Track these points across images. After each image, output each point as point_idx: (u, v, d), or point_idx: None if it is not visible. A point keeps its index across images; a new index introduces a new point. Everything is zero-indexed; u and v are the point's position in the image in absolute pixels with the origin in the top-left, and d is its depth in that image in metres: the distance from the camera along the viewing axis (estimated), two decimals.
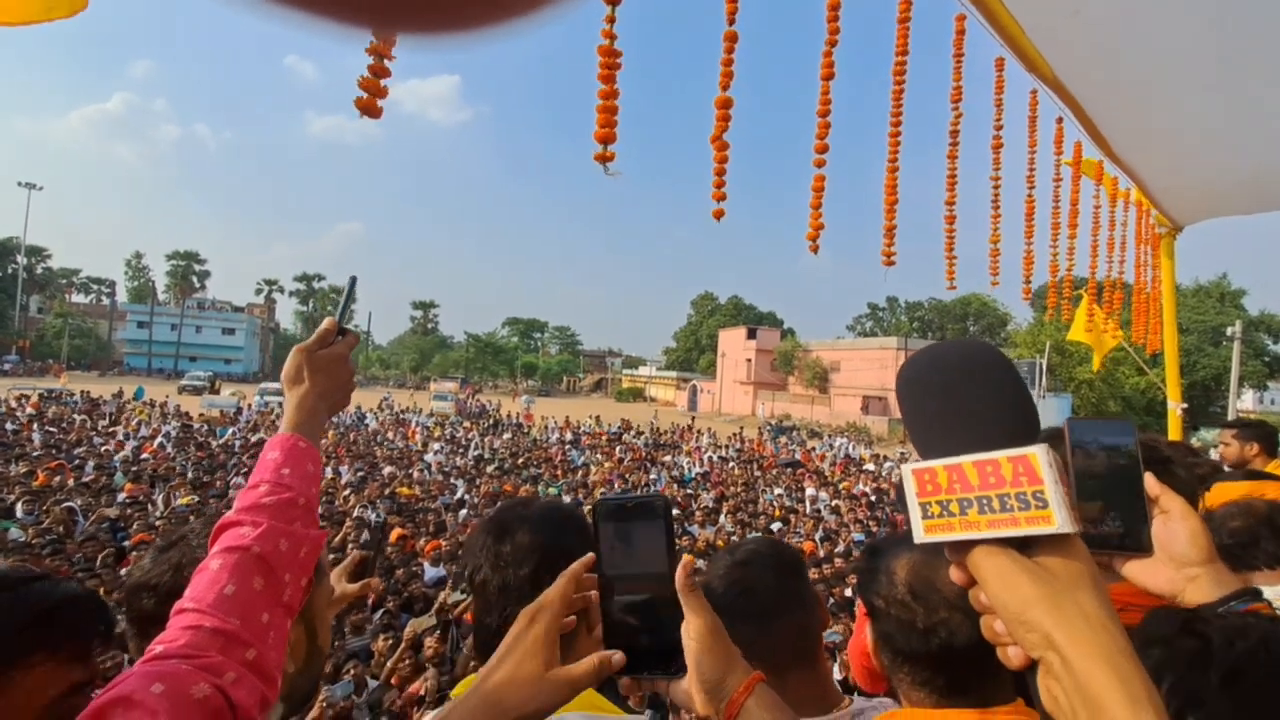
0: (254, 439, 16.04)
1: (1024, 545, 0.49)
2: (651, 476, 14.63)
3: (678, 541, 8.61)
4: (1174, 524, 0.75)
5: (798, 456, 20.26)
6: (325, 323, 0.98)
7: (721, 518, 10.43)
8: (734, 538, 9.15)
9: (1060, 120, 3.07)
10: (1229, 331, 24.98)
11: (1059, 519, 0.47)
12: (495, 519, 1.07)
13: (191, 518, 6.88)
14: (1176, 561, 0.73)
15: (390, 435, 18.55)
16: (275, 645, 0.76)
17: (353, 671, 4.60)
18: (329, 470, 12.04)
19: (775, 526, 9.60)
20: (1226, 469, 3.20)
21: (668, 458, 17.96)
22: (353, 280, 1.03)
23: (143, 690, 0.62)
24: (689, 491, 12.95)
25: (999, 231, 2.93)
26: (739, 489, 13.60)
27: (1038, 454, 0.49)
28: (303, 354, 0.94)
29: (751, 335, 51.48)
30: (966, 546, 0.51)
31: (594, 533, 0.69)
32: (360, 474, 12.09)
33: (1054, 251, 3.46)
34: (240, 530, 0.78)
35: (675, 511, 10.51)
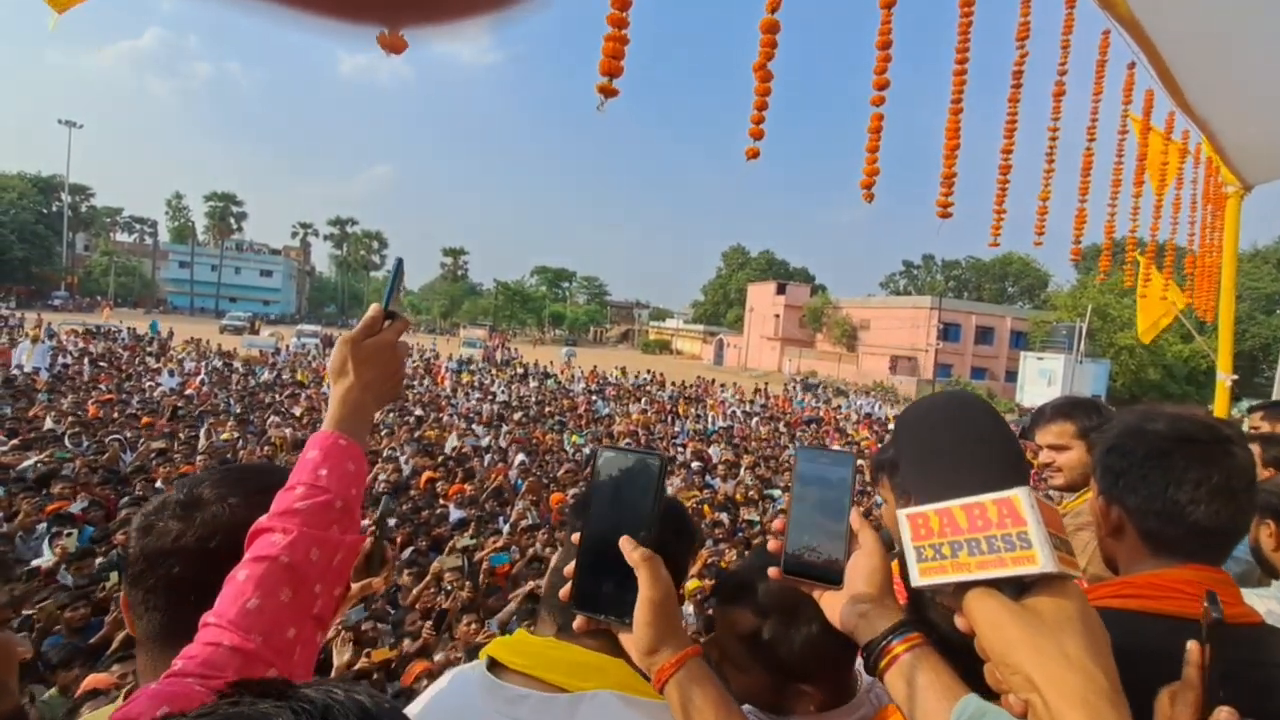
0: (291, 379, 16.51)
1: (1022, 588, 0.50)
2: (675, 429, 14.73)
3: (699, 494, 8.71)
4: (859, 559, 0.72)
5: (821, 414, 20.17)
6: (371, 310, 0.91)
7: (741, 471, 10.49)
8: (751, 492, 9.22)
9: (1132, 65, 2.83)
10: None
11: (1042, 558, 0.48)
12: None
13: (229, 455, 7.16)
14: (853, 597, 0.72)
15: (416, 381, 18.91)
16: (301, 662, 0.73)
17: (375, 605, 4.84)
18: None
19: None
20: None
21: (692, 411, 18.03)
22: (399, 262, 0.98)
23: (148, 714, 0.61)
24: (711, 447, 13.02)
25: (1050, 187, 2.73)
26: (761, 445, 13.63)
27: (1020, 496, 0.50)
28: (348, 345, 0.88)
29: (781, 290, 50.68)
30: (961, 591, 0.53)
31: (590, 475, 0.76)
32: (390, 414, 12.39)
33: (1111, 210, 3.24)
34: (271, 538, 0.74)
35: (697, 464, 10.60)
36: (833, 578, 0.73)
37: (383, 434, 10.44)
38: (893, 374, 38.77)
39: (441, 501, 7.33)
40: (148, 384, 13.93)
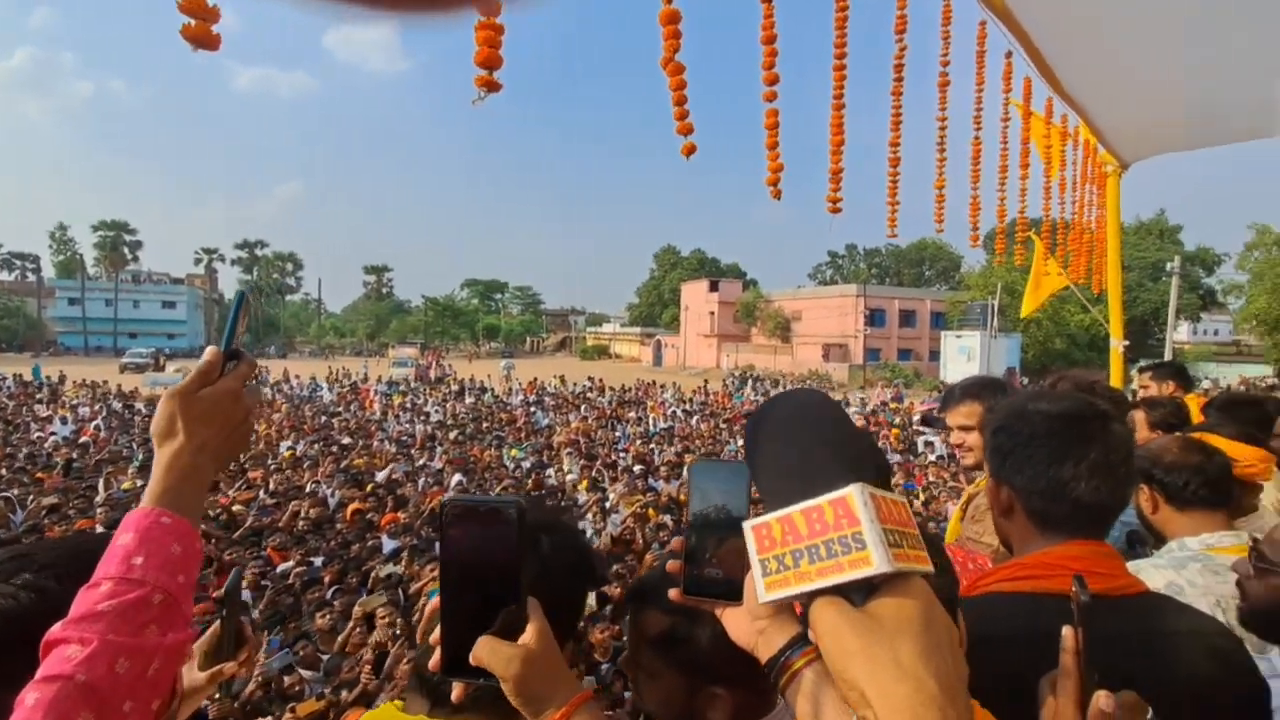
0: None
1: (871, 590, 0.47)
2: (616, 434, 14.65)
3: (642, 498, 8.65)
4: (755, 575, 0.71)
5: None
6: (206, 354, 0.78)
7: (684, 472, 10.51)
8: None
9: (1009, 55, 2.95)
10: (1168, 267, 25.93)
11: (876, 558, 0.46)
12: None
13: (132, 505, 6.63)
14: (750, 613, 0.68)
15: (343, 407, 18.05)
16: None
17: (303, 651, 4.51)
18: (283, 446, 11.68)
19: None
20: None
21: (632, 414, 18.00)
22: (240, 296, 0.84)
23: None
24: (652, 446, 13.01)
25: (944, 175, 2.81)
26: (704, 442, 13.74)
27: (853, 494, 0.47)
28: (176, 400, 0.75)
29: (714, 288, 51.46)
30: (809, 603, 0.50)
31: (440, 534, 0.70)
32: (316, 446, 11.76)
33: (1001, 195, 3.39)
34: (65, 651, 0.61)
35: (639, 467, 10.54)
36: (734, 594, 0.69)
37: (305, 467, 9.87)
38: (826, 361, 40.03)
39: (374, 533, 6.97)
40: (37, 434, 12.69)
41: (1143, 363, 4.20)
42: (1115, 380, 5.06)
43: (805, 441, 0.53)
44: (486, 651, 0.66)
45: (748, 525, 0.54)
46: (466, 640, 0.67)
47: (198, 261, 65.43)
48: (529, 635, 0.68)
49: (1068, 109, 3.68)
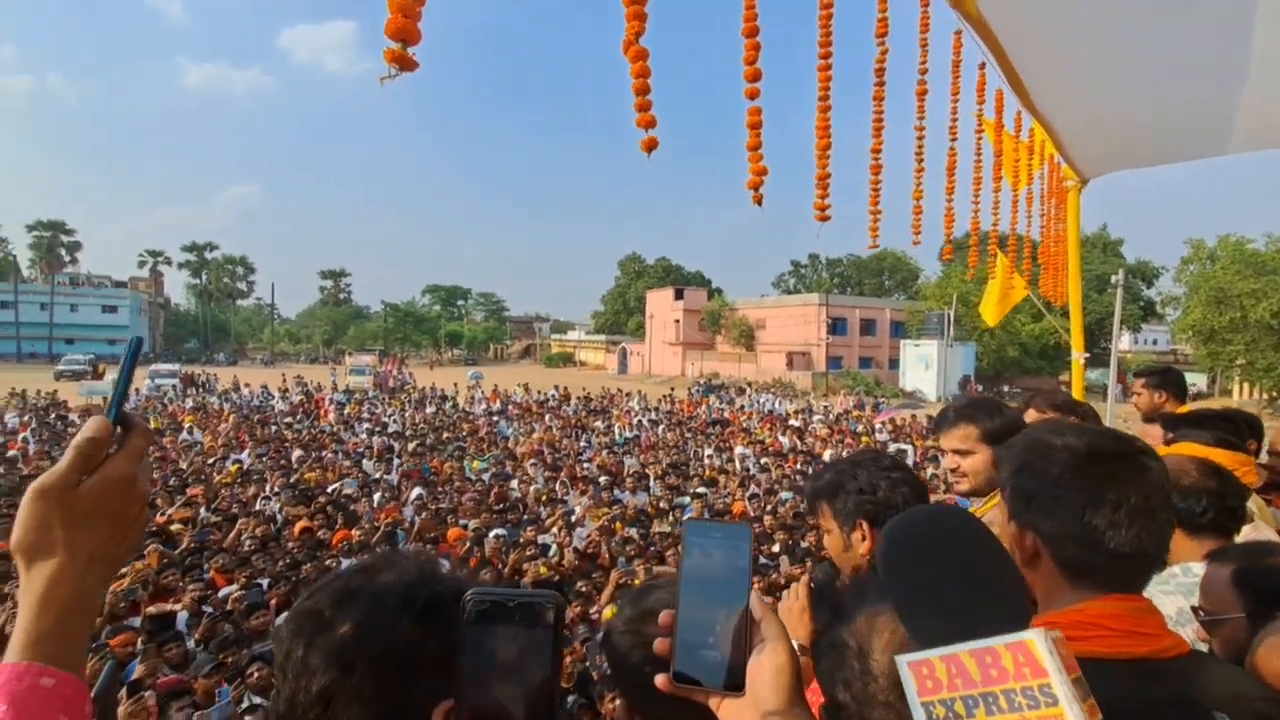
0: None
1: None
2: (581, 444, 14.43)
3: (608, 510, 8.46)
4: (762, 658, 0.58)
5: (726, 415, 20.59)
6: (91, 426, 0.58)
7: (651, 482, 10.37)
8: (662, 503, 9.10)
9: (983, 66, 2.93)
10: (1113, 279, 27.03)
11: (1072, 716, 0.43)
12: (299, 606, 0.73)
13: None
14: (757, 707, 0.57)
15: (295, 418, 17.36)
16: None
17: (256, 675, 4.22)
18: (229, 460, 11.10)
19: (702, 490, 9.63)
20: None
21: (599, 423, 17.80)
22: (135, 344, 0.67)
23: None
24: (619, 458, 12.84)
25: (922, 186, 2.76)
26: (670, 452, 13.62)
27: (1036, 640, 0.45)
28: (45, 500, 0.54)
29: (679, 296, 51.68)
30: None
31: (460, 639, 0.58)
32: (265, 459, 11.23)
33: (975, 207, 3.37)
34: None
35: (605, 478, 10.33)
36: (735, 684, 0.59)
37: (253, 481, 9.39)
38: (790, 369, 40.51)
39: (324, 552, 6.62)
40: None
41: (1097, 371, 4.21)
42: (1077, 391, 5.12)
43: (960, 572, 0.49)
44: None
45: (903, 660, 0.50)
46: None
47: (142, 264, 62.81)
48: None
49: (1034, 122, 3.70)
